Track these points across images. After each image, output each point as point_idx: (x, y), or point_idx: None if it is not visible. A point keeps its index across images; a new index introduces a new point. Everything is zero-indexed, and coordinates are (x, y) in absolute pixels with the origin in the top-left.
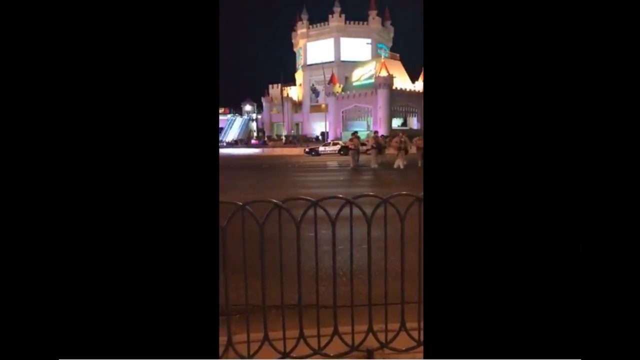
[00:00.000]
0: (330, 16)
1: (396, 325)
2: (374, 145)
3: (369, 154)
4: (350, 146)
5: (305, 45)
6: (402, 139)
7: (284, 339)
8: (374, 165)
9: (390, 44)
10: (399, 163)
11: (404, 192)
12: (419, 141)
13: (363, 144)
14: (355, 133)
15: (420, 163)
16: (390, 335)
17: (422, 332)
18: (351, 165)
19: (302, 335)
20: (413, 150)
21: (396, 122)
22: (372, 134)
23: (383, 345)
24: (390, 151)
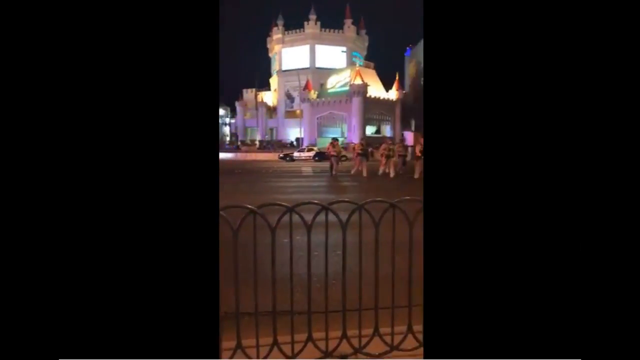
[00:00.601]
0: (305, 23)
1: (370, 331)
2: (360, 152)
3: (355, 160)
4: (332, 153)
5: (280, 51)
6: (390, 147)
7: (257, 346)
8: (363, 173)
9: (365, 53)
10: (387, 170)
11: (379, 199)
12: (398, 148)
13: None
14: (335, 139)
15: (417, 173)
16: (364, 341)
17: (395, 337)
18: (333, 172)
19: (275, 342)
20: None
21: (370, 130)
22: (359, 141)
23: (357, 351)
24: (376, 157)
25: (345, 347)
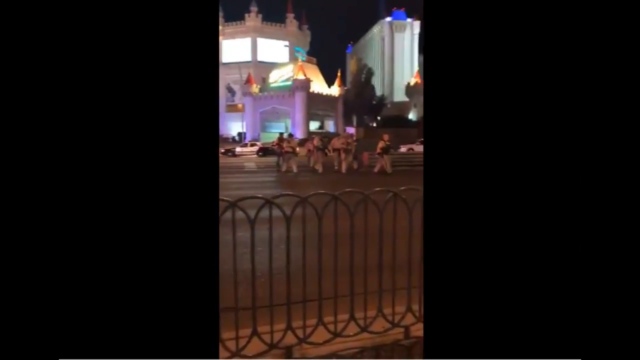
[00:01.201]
0: (246, 15)
1: (314, 321)
2: (319, 147)
3: (308, 156)
4: (286, 149)
5: (220, 43)
6: (349, 140)
7: (237, 338)
8: (318, 168)
9: (307, 48)
10: (347, 165)
11: (322, 191)
12: (336, 142)
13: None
14: (290, 135)
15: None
16: (308, 331)
17: (338, 324)
18: (289, 168)
19: (219, 339)
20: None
21: (314, 125)
22: (319, 136)
23: (301, 341)
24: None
25: (290, 339)
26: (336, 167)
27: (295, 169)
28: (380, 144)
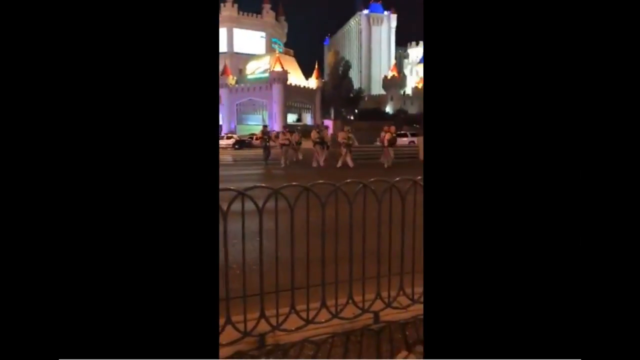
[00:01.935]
0: (222, 5)
1: (287, 310)
2: (318, 140)
3: (292, 149)
4: (283, 142)
5: None
6: (349, 135)
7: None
8: (319, 163)
9: (285, 40)
10: (346, 160)
11: (294, 183)
12: (315, 134)
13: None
14: (286, 127)
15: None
16: (281, 319)
17: (310, 312)
18: (282, 163)
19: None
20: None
21: (291, 118)
22: (317, 127)
23: (274, 328)
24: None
25: (263, 327)
26: (339, 164)
27: (284, 162)
28: (387, 136)
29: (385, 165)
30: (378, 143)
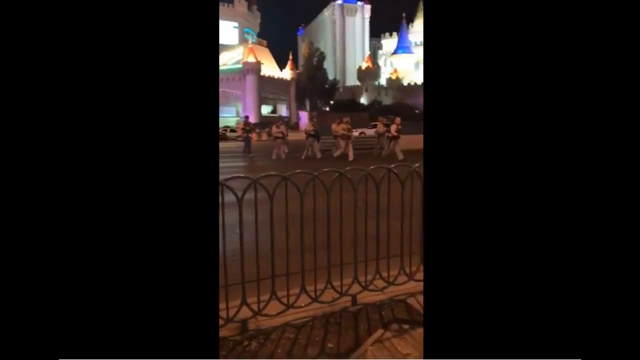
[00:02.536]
0: None
1: (267, 296)
2: (311, 132)
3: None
4: (277, 135)
5: None
6: (349, 126)
7: None
8: (316, 153)
9: (257, 30)
10: (347, 152)
11: (272, 173)
12: (336, 127)
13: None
14: (282, 118)
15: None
16: (262, 305)
17: (290, 298)
18: (274, 156)
19: None
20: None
21: (266, 109)
22: (310, 120)
23: (256, 314)
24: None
25: (245, 313)
26: (335, 154)
27: (283, 156)
28: (394, 127)
29: (383, 153)
30: (374, 134)
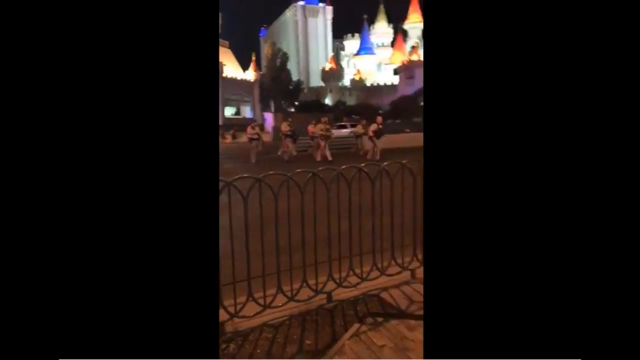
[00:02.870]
0: None
1: (244, 298)
2: (288, 133)
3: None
4: (252, 136)
5: None
6: (327, 126)
7: None
8: (286, 157)
9: (219, 31)
10: (324, 154)
11: (245, 175)
12: (314, 128)
13: None
14: (251, 120)
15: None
16: (239, 307)
17: (267, 298)
18: (253, 158)
19: None
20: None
21: (229, 111)
22: (286, 121)
23: (233, 316)
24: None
25: (222, 316)
26: (317, 158)
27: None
28: (374, 127)
29: (369, 156)
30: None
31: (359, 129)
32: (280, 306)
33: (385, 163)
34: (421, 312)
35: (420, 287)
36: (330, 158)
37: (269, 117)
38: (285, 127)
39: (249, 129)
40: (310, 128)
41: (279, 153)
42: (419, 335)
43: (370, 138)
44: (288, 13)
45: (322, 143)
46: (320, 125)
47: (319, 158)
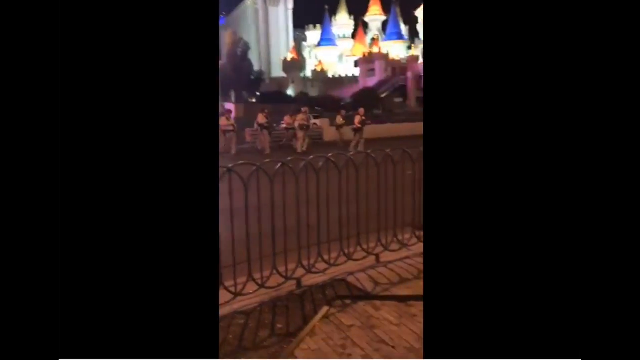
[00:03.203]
0: None
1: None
2: (265, 125)
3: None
4: (227, 128)
5: None
6: (307, 116)
7: None
8: (265, 149)
9: None
10: (301, 145)
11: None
12: (289, 119)
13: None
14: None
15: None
16: (240, 288)
17: (238, 286)
18: (228, 149)
19: None
20: None
21: None
22: (262, 111)
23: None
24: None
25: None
26: (303, 148)
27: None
28: (357, 119)
29: (352, 147)
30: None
31: (339, 120)
32: (251, 293)
33: (351, 153)
34: (386, 293)
35: (384, 270)
36: (305, 149)
37: (231, 108)
38: (261, 118)
39: (223, 120)
40: (287, 119)
41: (256, 144)
42: (384, 314)
43: (355, 130)
44: (248, 1)
45: (301, 134)
46: (301, 116)
47: (304, 147)
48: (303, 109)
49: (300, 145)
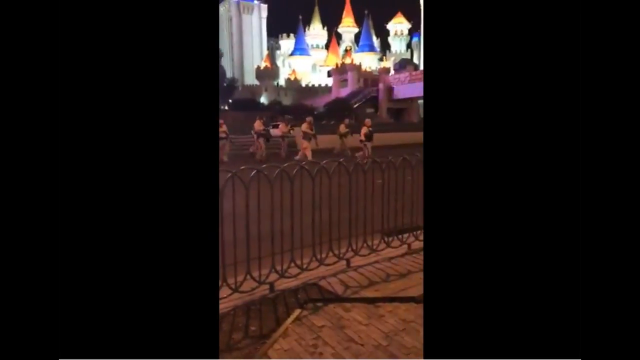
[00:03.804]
0: None
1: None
2: (262, 132)
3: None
4: (219, 134)
5: None
6: (312, 125)
7: None
8: (260, 157)
9: None
10: (307, 154)
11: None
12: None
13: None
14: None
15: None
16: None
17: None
18: (225, 157)
19: None
20: None
21: None
22: (259, 118)
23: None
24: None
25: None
26: (297, 157)
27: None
28: (364, 130)
29: (359, 158)
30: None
31: (342, 128)
32: (225, 297)
33: (324, 161)
34: (355, 296)
35: (354, 274)
36: (309, 157)
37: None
38: (258, 125)
39: None
40: (282, 127)
41: (251, 150)
42: (354, 315)
43: (362, 142)
44: (222, 8)
45: (306, 142)
46: (305, 125)
47: (304, 156)
48: (308, 118)
49: (302, 153)
